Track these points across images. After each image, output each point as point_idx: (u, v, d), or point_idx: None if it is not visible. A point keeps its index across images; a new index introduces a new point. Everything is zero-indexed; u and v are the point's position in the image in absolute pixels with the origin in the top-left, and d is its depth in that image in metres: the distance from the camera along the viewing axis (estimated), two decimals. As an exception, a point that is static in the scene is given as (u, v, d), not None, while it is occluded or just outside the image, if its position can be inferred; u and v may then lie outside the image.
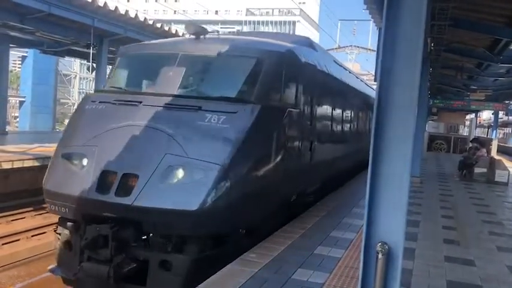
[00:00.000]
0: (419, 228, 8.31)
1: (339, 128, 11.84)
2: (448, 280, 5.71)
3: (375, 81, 5.35)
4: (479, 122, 53.44)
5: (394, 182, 3.12)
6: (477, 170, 17.08)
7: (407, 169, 3.12)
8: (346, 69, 14.75)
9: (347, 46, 53.13)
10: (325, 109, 10.13)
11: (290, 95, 7.60)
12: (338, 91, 11.74)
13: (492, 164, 17.12)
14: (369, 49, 49.61)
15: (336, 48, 48.11)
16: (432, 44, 13.76)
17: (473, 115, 42.27)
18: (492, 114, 39.54)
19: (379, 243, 3.06)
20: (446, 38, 12.94)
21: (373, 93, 18.38)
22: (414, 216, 9.21)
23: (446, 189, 14.25)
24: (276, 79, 7.13)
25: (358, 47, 52.84)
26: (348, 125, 13.24)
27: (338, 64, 13.26)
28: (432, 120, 38.83)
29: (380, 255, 3.03)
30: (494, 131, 36.98)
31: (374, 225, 3.16)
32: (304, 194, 8.99)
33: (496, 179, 16.24)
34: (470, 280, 5.80)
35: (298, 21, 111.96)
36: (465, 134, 39.51)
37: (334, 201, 10.28)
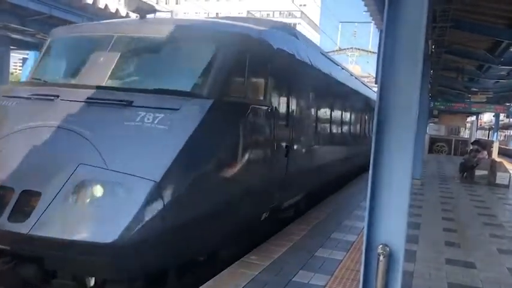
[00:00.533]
0: (420, 231, 8.29)
1: (328, 130, 10.46)
2: (449, 282, 5.70)
3: (375, 83, 4.89)
4: (480, 124, 53.41)
5: (395, 184, 3.12)
6: (478, 172, 17.06)
7: (408, 171, 3.12)
8: (338, 65, 13.46)
9: (348, 48, 53.21)
10: (308, 108, 8.71)
11: (257, 89, 6.18)
12: (326, 88, 10.24)
13: (493, 166, 17.10)
14: (370, 51, 49.64)
15: (336, 51, 48.16)
16: (433, 46, 13.77)
17: (474, 117, 42.24)
18: (493, 116, 39.55)
19: (380, 246, 3.05)
20: (447, 39, 12.95)
21: (372, 95, 17.88)
22: (415, 219, 9.19)
23: (447, 191, 14.22)
24: (237, 68, 5.65)
25: (358, 49, 52.91)
26: (340, 128, 11.88)
27: (327, 58, 11.77)
28: (433, 123, 38.80)
29: (381, 258, 3.02)
30: (495, 133, 36.98)
31: (375, 228, 3.16)
32: (280, 210, 7.53)
33: (496, 181, 16.21)
34: (471, 283, 5.78)
35: (299, 24, 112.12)
36: (466, 136, 39.55)
37: (335, 204, 10.26)
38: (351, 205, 10.21)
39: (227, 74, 5.49)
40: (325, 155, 10.25)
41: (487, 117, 57.57)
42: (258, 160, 6.13)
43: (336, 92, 11.36)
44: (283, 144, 6.94)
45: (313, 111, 9.04)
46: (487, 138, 47.80)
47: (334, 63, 12.88)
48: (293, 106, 7.42)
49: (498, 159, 22.06)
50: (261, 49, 6.24)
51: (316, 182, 9.70)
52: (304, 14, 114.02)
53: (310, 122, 8.81)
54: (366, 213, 3.17)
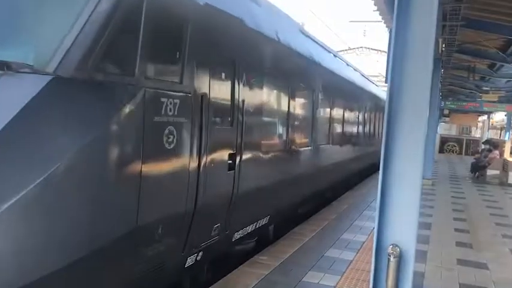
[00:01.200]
0: (431, 231, 8.24)
1: (305, 130, 8.20)
2: (461, 283, 5.65)
3: (385, 82, 4.57)
4: (492, 124, 52.90)
5: (406, 184, 3.10)
6: (490, 172, 16.91)
7: (418, 171, 3.09)
8: (326, 49, 10.76)
9: (357, 48, 52.94)
10: (275, 100, 6.64)
11: (164, 64, 4.09)
12: (302, 75, 8.00)
13: (505, 166, 16.94)
14: (380, 50, 49.37)
15: (345, 50, 47.97)
16: (443, 45, 13.66)
17: (485, 117, 41.85)
18: (505, 115, 39.12)
19: (391, 246, 3.03)
20: (458, 38, 12.83)
21: (366, 84, 16.18)
22: (426, 219, 9.13)
23: (458, 191, 14.11)
24: (121, 27, 3.55)
25: (368, 48, 52.64)
26: (323, 127, 9.41)
27: (310, 38, 9.35)
28: (444, 122, 38.52)
29: (392, 258, 3.00)
30: (508, 133, 36.55)
31: (385, 228, 3.14)
32: (230, 244, 5.75)
33: (509, 181, 16.07)
34: (483, 283, 5.73)
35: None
36: (477, 136, 39.17)
37: (345, 204, 10.22)
38: (362, 205, 10.18)
39: (99, 35, 3.38)
40: (301, 164, 8.07)
41: (499, 117, 56.99)
42: (159, 179, 3.89)
43: (316, 79, 8.79)
44: (224, 152, 4.99)
45: (282, 104, 6.83)
46: (498, 137, 47.33)
47: (323, 47, 10.41)
48: (244, 96, 5.38)
49: (510, 159, 21.85)
50: (169, 4, 4.07)
51: (288, 201, 7.60)
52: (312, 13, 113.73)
53: (276, 119, 6.73)
54: (376, 214, 3.16)
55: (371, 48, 49.10)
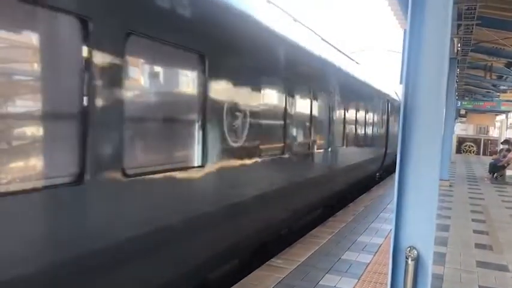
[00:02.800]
0: (450, 233, 8.13)
1: (281, 135, 6.48)
2: (481, 286, 5.56)
3: (400, 83, 4.45)
4: (510, 123, 52.12)
5: (423, 185, 3.07)
6: (509, 172, 16.65)
7: (435, 172, 3.06)
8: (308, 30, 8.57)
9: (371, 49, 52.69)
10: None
11: None
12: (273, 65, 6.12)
13: (525, 166, 16.68)
14: (394, 51, 49.10)
15: (359, 51, 47.79)
16: (459, 44, 13.52)
17: (503, 116, 41.23)
18: (524, 114, 38.51)
19: (408, 248, 3.01)
20: (473, 37, 12.69)
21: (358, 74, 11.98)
22: (444, 221, 9.02)
23: (476, 192, 13.91)
24: None
25: (383, 49, 52.35)
26: (302, 132, 7.44)
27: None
28: (460, 122, 38.08)
29: (409, 261, 2.98)
30: (526, 132, 36.00)
31: (402, 230, 3.11)
32: None
33: (529, 182, 15.80)
34: (503, 286, 5.63)
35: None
36: (495, 136, 38.60)
37: (362, 206, 10.16)
38: (379, 207, 10.10)
39: None
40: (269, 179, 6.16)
41: (517, 116, 56.14)
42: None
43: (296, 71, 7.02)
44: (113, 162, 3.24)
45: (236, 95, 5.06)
46: (517, 137, 46.60)
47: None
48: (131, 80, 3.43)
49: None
50: None
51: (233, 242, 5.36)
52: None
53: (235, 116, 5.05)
54: (393, 216, 3.13)
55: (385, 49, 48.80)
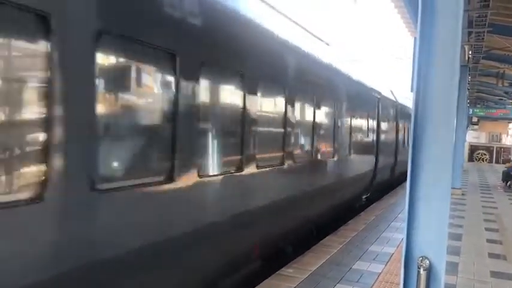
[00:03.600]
0: (462, 242, 8.03)
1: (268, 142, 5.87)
2: (495, 296, 5.48)
3: (411, 91, 4.22)
4: (523, 131, 51.65)
5: (434, 194, 3.04)
6: (522, 180, 16.46)
7: (447, 181, 3.03)
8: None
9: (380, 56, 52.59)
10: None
11: None
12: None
13: (538, 174, 16.47)
14: (402, 58, 48.96)
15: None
16: (470, 52, 13.44)
17: (516, 123, 40.86)
18: (537, 122, 38.09)
19: (420, 258, 2.97)
20: (484, 44, 12.62)
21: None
22: (456, 230, 8.91)
23: (489, 201, 13.74)
24: None
25: (392, 56, 52.26)
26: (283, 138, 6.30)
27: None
28: (473, 130, 37.76)
29: (421, 270, 2.94)
30: (540, 140, 35.58)
31: (414, 239, 3.08)
32: None
33: (543, 190, 15.59)
34: (518, 296, 5.54)
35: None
36: (508, 144, 38.17)
37: (373, 215, 10.08)
38: (390, 216, 10.02)
39: None
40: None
41: (530, 123, 55.55)
42: None
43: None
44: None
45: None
46: (531, 145, 46.08)
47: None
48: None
49: (544, 167, 21.21)
50: None
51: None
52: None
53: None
54: (404, 225, 3.10)
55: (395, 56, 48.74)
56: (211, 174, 4.63)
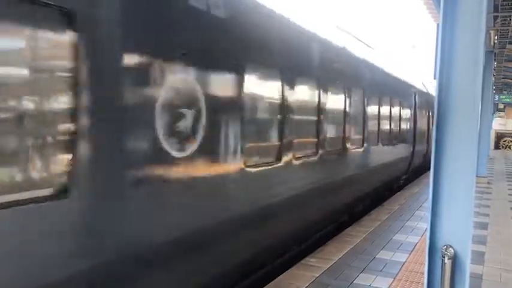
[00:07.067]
0: (488, 231, 7.90)
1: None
2: (523, 285, 5.39)
3: (434, 78, 4.26)
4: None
5: (459, 182, 3.00)
6: (551, 168, 16.05)
7: (472, 169, 2.99)
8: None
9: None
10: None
11: None
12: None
13: None
14: (418, 47, 48.04)
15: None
16: (496, 37, 13.11)
17: (544, 110, 39.77)
18: None
19: (444, 247, 2.95)
20: (511, 29, 12.29)
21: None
22: (482, 218, 8.77)
23: (517, 189, 13.47)
24: None
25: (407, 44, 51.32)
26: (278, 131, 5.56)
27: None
28: (499, 117, 36.93)
29: (446, 259, 2.91)
30: None
31: (438, 228, 3.05)
32: None
33: None
34: (547, 285, 5.44)
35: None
36: (536, 130, 37.22)
37: (397, 205, 10.00)
38: (414, 205, 9.93)
39: None
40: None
41: (560, 109, 53.99)
42: None
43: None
44: None
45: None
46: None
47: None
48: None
49: None
50: None
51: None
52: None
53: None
54: (428, 214, 3.07)
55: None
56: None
